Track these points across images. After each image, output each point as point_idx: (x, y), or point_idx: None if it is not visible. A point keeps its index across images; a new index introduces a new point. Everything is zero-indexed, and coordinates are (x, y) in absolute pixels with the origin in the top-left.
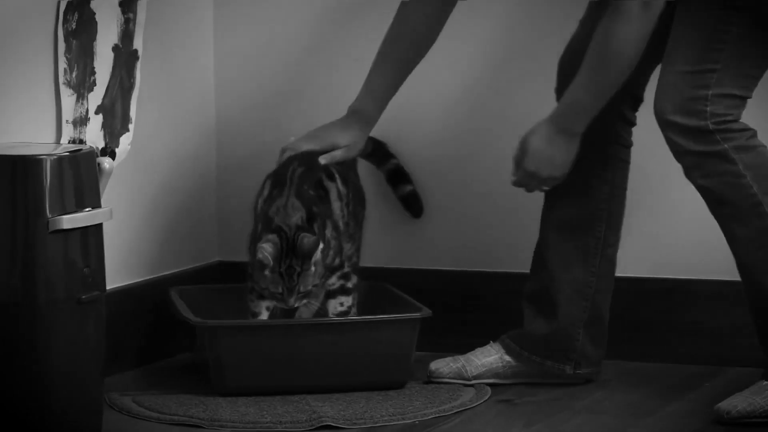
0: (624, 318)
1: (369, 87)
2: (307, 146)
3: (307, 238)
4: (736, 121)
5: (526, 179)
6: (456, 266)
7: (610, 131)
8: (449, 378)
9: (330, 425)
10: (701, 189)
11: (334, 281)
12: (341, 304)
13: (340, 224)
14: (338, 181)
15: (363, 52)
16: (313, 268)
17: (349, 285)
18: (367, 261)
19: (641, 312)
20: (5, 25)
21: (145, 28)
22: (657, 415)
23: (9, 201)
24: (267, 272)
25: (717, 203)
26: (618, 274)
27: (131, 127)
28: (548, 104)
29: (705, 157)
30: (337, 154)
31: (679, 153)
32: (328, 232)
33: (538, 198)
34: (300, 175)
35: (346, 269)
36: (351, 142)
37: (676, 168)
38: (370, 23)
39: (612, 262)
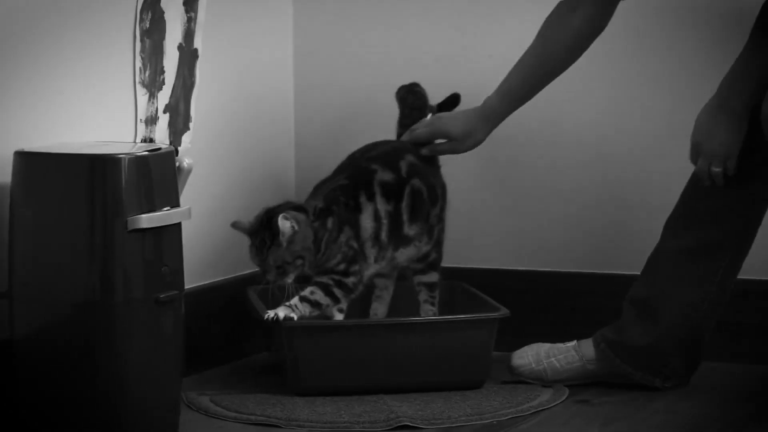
0: None
1: (504, 87)
2: (422, 131)
3: (281, 217)
4: None
5: (693, 153)
6: (534, 266)
7: (759, 170)
8: (529, 379)
9: (408, 425)
10: None
11: (325, 279)
12: (312, 293)
13: (367, 238)
14: (378, 200)
15: (445, 49)
16: (284, 245)
17: (338, 288)
18: (445, 261)
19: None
20: (88, 23)
21: (222, 26)
22: (734, 417)
23: (88, 200)
24: (249, 245)
25: None
26: None
27: (191, 125)
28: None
29: None
30: (441, 148)
31: None
32: (343, 237)
33: (618, 199)
34: (340, 186)
35: (348, 279)
36: (461, 135)
37: None
38: (452, 20)
39: (725, 293)
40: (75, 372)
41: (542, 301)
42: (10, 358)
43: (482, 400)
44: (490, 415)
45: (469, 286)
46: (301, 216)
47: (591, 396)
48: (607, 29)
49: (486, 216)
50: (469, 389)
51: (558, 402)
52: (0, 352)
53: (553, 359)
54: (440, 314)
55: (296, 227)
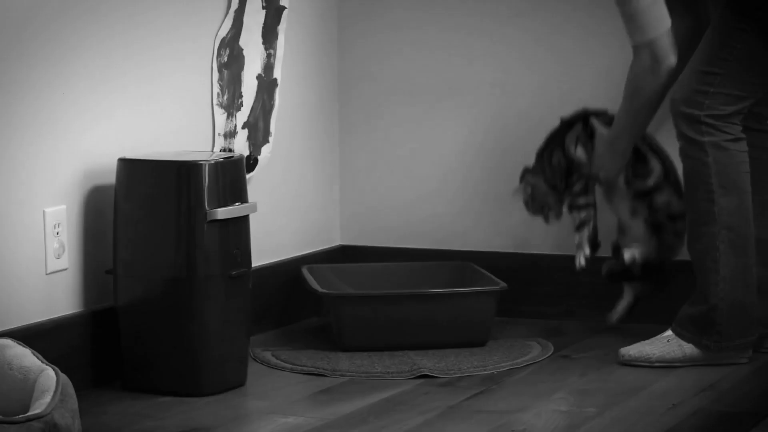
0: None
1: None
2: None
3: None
4: (729, 116)
5: (594, 170)
6: (527, 249)
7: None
8: (637, 362)
9: (427, 374)
10: (683, 166)
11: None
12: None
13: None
14: None
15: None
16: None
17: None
18: (455, 245)
19: None
20: (173, 59)
21: (300, 59)
22: (689, 367)
23: (175, 197)
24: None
25: (686, 178)
26: None
27: (271, 139)
28: None
29: (689, 142)
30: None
31: (678, 135)
32: (555, 160)
33: None
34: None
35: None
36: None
37: None
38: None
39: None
40: (165, 333)
41: (533, 277)
42: (115, 321)
43: (486, 355)
44: (492, 366)
45: (476, 265)
46: None
47: (571, 352)
48: None
49: (491, 206)
50: (475, 347)
51: (545, 357)
52: (107, 316)
53: (658, 354)
54: (453, 288)
55: None
